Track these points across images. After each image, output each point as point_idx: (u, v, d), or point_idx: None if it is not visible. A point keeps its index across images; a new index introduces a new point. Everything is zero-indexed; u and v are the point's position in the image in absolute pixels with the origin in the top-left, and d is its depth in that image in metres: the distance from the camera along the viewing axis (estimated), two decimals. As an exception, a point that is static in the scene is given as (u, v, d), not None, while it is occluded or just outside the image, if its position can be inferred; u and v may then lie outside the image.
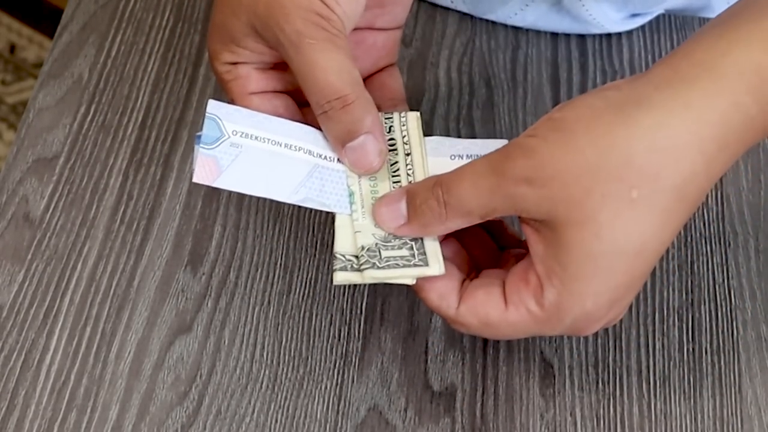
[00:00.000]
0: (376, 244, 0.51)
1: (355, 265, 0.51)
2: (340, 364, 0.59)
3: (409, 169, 0.54)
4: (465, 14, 0.74)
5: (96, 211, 0.64)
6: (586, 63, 0.73)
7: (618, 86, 0.49)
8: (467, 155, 0.55)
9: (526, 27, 0.73)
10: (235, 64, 0.54)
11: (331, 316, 0.61)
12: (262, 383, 0.58)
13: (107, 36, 0.72)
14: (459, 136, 0.68)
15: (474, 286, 0.52)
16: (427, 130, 0.68)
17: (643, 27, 0.74)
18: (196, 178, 0.51)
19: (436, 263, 0.51)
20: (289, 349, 0.60)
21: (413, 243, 0.52)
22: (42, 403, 0.57)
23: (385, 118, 0.55)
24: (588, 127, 0.48)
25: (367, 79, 0.59)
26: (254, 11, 0.52)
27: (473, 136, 0.68)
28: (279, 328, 0.60)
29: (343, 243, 0.52)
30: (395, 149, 0.55)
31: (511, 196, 0.48)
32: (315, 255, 0.63)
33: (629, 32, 0.74)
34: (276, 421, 0.57)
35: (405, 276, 0.51)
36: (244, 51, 0.54)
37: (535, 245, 0.49)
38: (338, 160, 0.54)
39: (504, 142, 0.55)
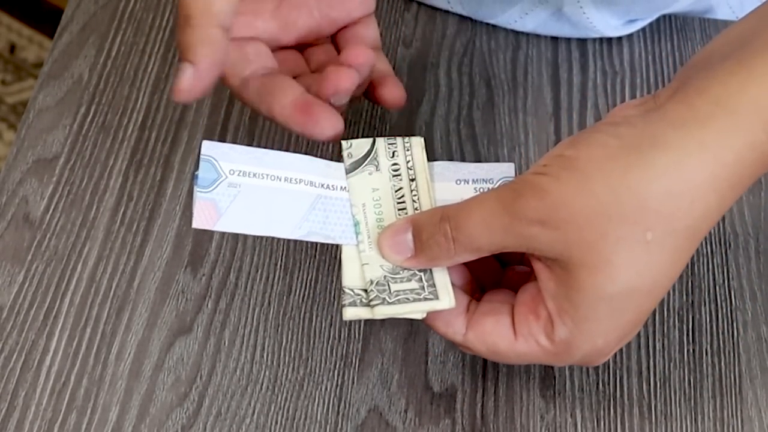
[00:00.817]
0: (385, 276, 0.51)
1: (364, 300, 0.50)
2: (340, 365, 0.59)
3: (414, 195, 0.53)
4: (465, 15, 0.74)
5: (96, 211, 0.64)
6: (587, 64, 0.72)
7: (631, 122, 0.48)
8: (473, 179, 0.54)
9: (526, 32, 0.73)
10: None
11: (332, 317, 0.61)
12: (262, 384, 0.58)
13: (107, 36, 0.72)
14: (459, 137, 0.68)
15: (481, 312, 0.51)
16: (428, 131, 0.68)
17: (643, 28, 0.74)
18: (196, 224, 0.50)
19: (446, 296, 0.50)
20: (289, 350, 0.60)
21: (422, 274, 0.51)
22: (42, 404, 0.57)
23: (388, 144, 0.55)
24: (602, 168, 0.47)
25: (342, 30, 0.59)
26: None
27: (473, 137, 0.68)
28: (279, 329, 0.60)
29: (351, 276, 0.51)
30: (399, 175, 0.54)
31: (524, 236, 0.48)
32: (315, 256, 0.63)
33: (630, 33, 0.74)
34: (276, 422, 0.57)
35: (415, 311, 0.50)
36: None
37: (546, 282, 0.49)
38: (341, 188, 0.53)
39: (510, 165, 0.55)
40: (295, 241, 0.63)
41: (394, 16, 0.74)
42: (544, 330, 0.50)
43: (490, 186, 0.54)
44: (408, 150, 0.54)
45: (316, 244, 0.63)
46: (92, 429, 0.57)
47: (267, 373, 0.59)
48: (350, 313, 0.50)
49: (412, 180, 0.54)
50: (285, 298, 0.61)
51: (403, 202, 0.53)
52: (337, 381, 0.59)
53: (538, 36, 0.74)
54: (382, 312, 0.50)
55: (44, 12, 1.87)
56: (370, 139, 0.54)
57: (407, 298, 0.50)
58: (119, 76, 0.70)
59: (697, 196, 0.47)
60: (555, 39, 0.74)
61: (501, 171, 0.55)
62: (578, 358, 0.50)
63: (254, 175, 0.51)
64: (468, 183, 0.54)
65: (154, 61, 0.71)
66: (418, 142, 0.55)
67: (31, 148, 0.67)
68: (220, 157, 0.51)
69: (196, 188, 0.50)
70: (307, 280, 0.62)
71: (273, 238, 0.63)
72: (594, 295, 0.47)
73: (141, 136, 0.67)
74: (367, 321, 0.61)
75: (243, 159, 0.51)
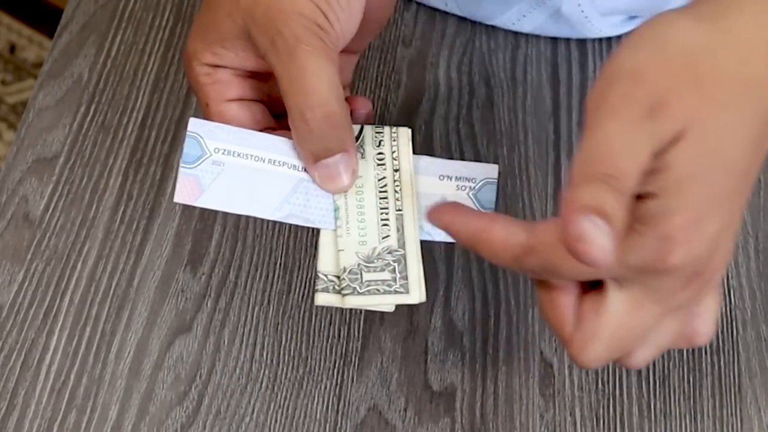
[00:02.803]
0: (359, 264, 0.51)
1: (336, 287, 0.50)
2: (339, 363, 0.59)
3: (397, 185, 0.53)
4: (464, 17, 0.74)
5: (96, 211, 0.64)
6: (586, 62, 0.73)
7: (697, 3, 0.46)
8: (456, 177, 0.54)
9: (525, 33, 0.74)
10: (215, 67, 0.54)
11: (331, 315, 0.61)
12: (261, 383, 0.58)
13: (107, 36, 0.72)
14: (458, 136, 0.68)
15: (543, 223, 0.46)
16: (427, 130, 0.68)
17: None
18: (177, 198, 0.50)
19: (416, 290, 0.50)
20: (288, 349, 0.60)
21: (396, 265, 0.51)
22: (42, 402, 0.57)
23: (376, 132, 0.55)
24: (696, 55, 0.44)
25: None
26: (252, 14, 0.52)
27: (473, 136, 0.68)
28: (279, 328, 0.60)
29: (326, 262, 0.51)
30: (383, 164, 0.54)
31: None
32: (314, 255, 0.63)
33: (629, 31, 0.74)
34: (276, 420, 0.57)
35: (384, 303, 0.50)
36: (229, 53, 0.53)
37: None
38: None
39: (494, 167, 0.54)
40: (295, 239, 0.63)
41: (394, 15, 0.74)
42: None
43: (472, 185, 0.54)
44: (395, 141, 0.55)
45: (316, 242, 0.63)
46: (92, 427, 0.57)
47: (266, 371, 0.59)
48: (321, 299, 0.50)
49: (396, 170, 0.54)
50: (284, 296, 0.62)
51: (385, 191, 0.53)
52: (337, 380, 0.59)
53: (537, 35, 0.74)
54: (351, 302, 0.50)
55: (44, 12, 1.87)
56: (358, 126, 0.55)
57: (377, 290, 0.50)
58: (119, 76, 0.70)
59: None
60: (554, 38, 0.74)
61: (485, 171, 0.55)
62: (650, 239, 0.44)
63: (239, 154, 0.51)
64: (451, 180, 0.54)
65: (153, 60, 0.71)
66: (405, 133, 0.55)
67: (31, 148, 0.67)
68: (206, 135, 0.51)
69: (180, 165, 0.50)
70: (306, 278, 0.62)
71: (272, 234, 0.64)
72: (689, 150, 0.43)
73: (141, 135, 0.68)
74: (366, 319, 0.61)
75: (229, 138, 0.51)
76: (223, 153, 0.51)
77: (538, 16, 0.72)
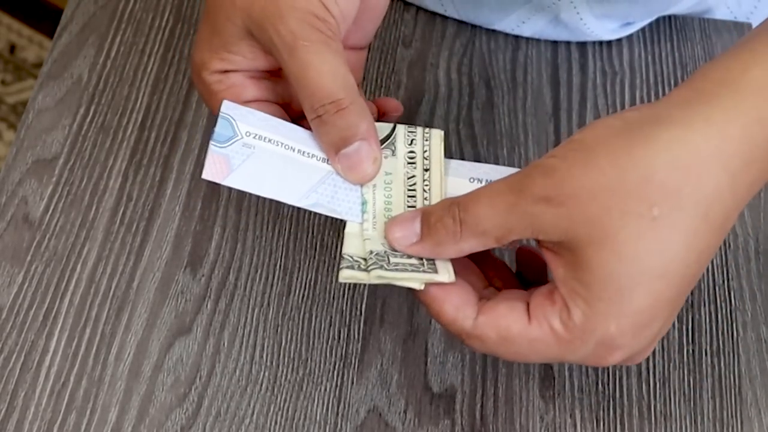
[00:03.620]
0: (386, 252, 0.50)
1: (362, 266, 0.50)
2: (339, 365, 0.59)
3: (426, 185, 0.53)
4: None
5: (95, 212, 0.64)
6: (586, 64, 0.72)
7: (637, 108, 0.48)
8: (487, 180, 0.54)
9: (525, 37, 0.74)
10: (226, 72, 0.53)
11: (331, 317, 0.61)
12: (261, 385, 0.58)
13: (107, 37, 0.72)
14: (458, 137, 0.68)
15: (495, 301, 0.50)
16: (427, 132, 0.68)
17: (642, 29, 0.74)
18: (206, 175, 0.50)
19: (445, 272, 0.50)
20: (288, 351, 0.60)
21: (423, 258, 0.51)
22: (41, 404, 0.57)
23: (408, 131, 0.55)
24: (607, 145, 0.46)
25: None
26: (249, 13, 0.51)
27: (473, 137, 0.68)
28: (278, 330, 0.60)
29: (353, 246, 0.51)
30: (414, 163, 0.54)
31: (529, 214, 0.47)
32: (314, 256, 0.63)
33: (629, 34, 0.74)
34: (275, 422, 0.57)
35: (413, 279, 0.49)
36: (236, 57, 0.53)
37: (556, 269, 0.48)
38: None
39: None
40: (295, 241, 0.63)
41: (394, 16, 0.74)
42: (559, 315, 0.48)
43: None
44: (427, 141, 0.54)
45: (316, 244, 0.63)
46: (92, 429, 0.57)
47: (266, 373, 0.59)
48: (346, 274, 0.49)
49: (426, 170, 0.54)
50: (284, 298, 0.61)
51: (414, 190, 0.53)
52: (337, 381, 0.59)
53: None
54: (378, 275, 0.49)
55: (44, 12, 1.87)
56: (391, 124, 0.55)
57: (405, 269, 0.49)
58: (119, 77, 0.70)
59: (705, 171, 0.45)
60: (555, 40, 0.74)
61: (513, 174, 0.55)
62: (591, 347, 0.48)
63: (270, 140, 0.51)
64: (481, 182, 0.54)
65: (153, 61, 0.71)
66: (437, 134, 0.55)
67: (31, 149, 0.67)
68: (239, 118, 0.51)
69: (211, 143, 0.50)
70: (306, 280, 0.62)
71: (272, 236, 0.63)
72: (602, 271, 0.46)
73: (140, 136, 0.67)
74: (366, 321, 0.61)
75: (261, 124, 0.51)
76: (254, 137, 0.51)
77: (537, 21, 0.71)
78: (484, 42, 0.73)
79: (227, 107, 0.51)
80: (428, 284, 0.50)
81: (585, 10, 0.70)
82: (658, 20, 0.74)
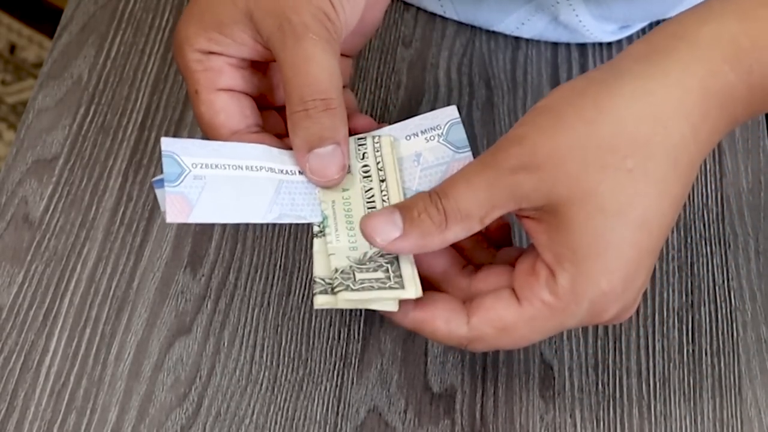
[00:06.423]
0: (350, 266, 0.50)
1: (330, 290, 0.50)
2: (339, 365, 0.59)
3: (384, 195, 0.53)
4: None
5: (95, 212, 0.64)
6: (586, 64, 0.72)
7: (597, 67, 0.50)
8: (421, 131, 0.54)
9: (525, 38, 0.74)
10: (209, 53, 0.53)
11: (331, 317, 0.61)
12: (261, 385, 0.58)
13: (107, 37, 0.72)
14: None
15: (479, 297, 0.50)
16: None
17: (643, 29, 0.74)
18: (170, 218, 0.49)
19: (412, 286, 0.49)
20: (288, 351, 0.60)
21: (388, 265, 0.50)
22: (41, 404, 0.57)
23: (358, 144, 0.54)
24: (573, 104, 0.47)
25: None
26: None
27: (473, 137, 0.68)
28: (278, 330, 0.60)
29: (321, 267, 0.51)
30: (369, 176, 0.54)
31: (508, 186, 0.47)
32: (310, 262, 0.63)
33: (629, 35, 0.74)
34: (275, 422, 0.57)
35: (380, 298, 0.49)
36: (226, 39, 0.52)
37: (538, 236, 0.48)
38: (299, 172, 0.53)
39: (453, 107, 0.54)
40: (295, 241, 0.63)
41: (394, 16, 0.74)
42: (546, 285, 0.48)
43: (439, 132, 0.54)
44: (378, 151, 0.54)
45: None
46: (91, 429, 0.57)
47: (266, 373, 0.59)
48: (320, 301, 0.50)
49: (382, 181, 0.54)
50: (284, 298, 0.61)
51: (373, 201, 0.53)
52: (337, 381, 0.59)
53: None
54: (345, 298, 0.49)
55: (44, 12, 1.87)
56: None
57: (372, 286, 0.49)
58: (119, 77, 0.70)
59: (671, 121, 0.47)
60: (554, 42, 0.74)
61: (445, 115, 0.55)
62: (586, 307, 0.48)
63: (216, 166, 0.51)
64: (417, 135, 0.54)
65: (153, 61, 0.71)
66: (387, 142, 0.55)
67: (31, 149, 0.67)
68: (181, 152, 0.51)
69: (165, 185, 0.50)
70: (306, 280, 0.62)
71: (272, 236, 0.63)
72: (588, 228, 0.47)
73: (140, 136, 0.67)
74: (366, 321, 0.61)
75: (202, 152, 0.51)
76: (201, 167, 0.51)
77: (537, 23, 0.71)
78: (484, 42, 0.73)
79: (166, 144, 0.50)
80: (411, 310, 0.50)
81: (583, 11, 0.70)
82: (658, 21, 0.74)
